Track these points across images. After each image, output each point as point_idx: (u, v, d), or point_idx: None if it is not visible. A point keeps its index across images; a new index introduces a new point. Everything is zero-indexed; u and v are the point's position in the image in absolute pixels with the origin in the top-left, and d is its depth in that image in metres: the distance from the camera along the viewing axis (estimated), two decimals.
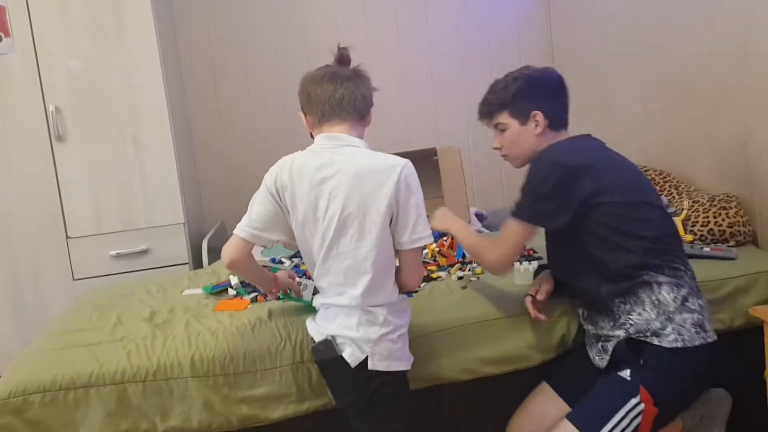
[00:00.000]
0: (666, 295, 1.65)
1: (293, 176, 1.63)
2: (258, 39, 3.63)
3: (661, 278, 1.66)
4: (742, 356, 1.85)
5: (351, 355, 1.59)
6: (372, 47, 3.68)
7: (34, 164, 2.93)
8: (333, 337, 1.62)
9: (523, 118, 1.81)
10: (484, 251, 1.80)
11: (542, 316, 1.85)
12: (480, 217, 3.24)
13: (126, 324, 2.03)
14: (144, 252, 3.03)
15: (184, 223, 3.05)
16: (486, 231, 3.02)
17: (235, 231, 1.69)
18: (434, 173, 2.91)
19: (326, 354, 1.61)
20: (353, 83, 1.67)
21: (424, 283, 2.20)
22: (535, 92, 1.81)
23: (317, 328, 1.67)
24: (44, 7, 2.87)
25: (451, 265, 2.36)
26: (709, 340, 1.65)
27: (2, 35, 2.88)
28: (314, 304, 1.73)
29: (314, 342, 1.66)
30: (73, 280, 3.00)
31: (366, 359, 1.58)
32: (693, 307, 1.65)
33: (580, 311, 1.85)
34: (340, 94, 1.65)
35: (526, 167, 1.80)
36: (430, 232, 1.65)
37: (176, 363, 1.77)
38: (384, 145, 3.74)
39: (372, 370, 1.58)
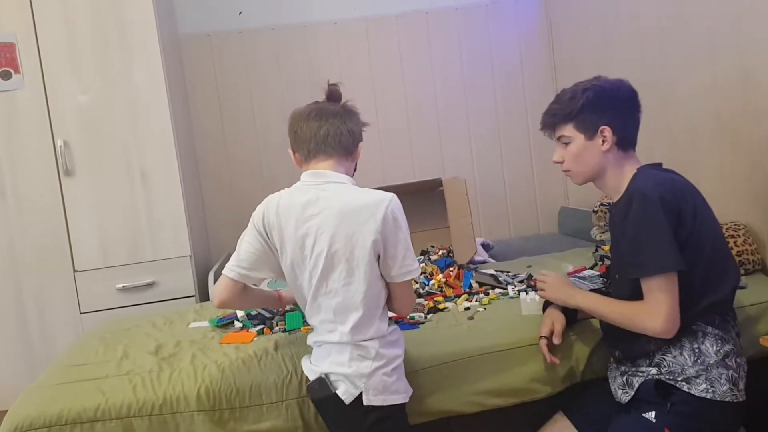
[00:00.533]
0: (709, 346, 1.61)
1: (280, 214, 1.64)
2: (263, 72, 3.68)
3: (709, 329, 1.62)
4: (754, 387, 1.82)
5: (345, 392, 1.57)
6: (376, 79, 3.72)
7: (42, 198, 2.96)
8: (326, 374, 1.60)
9: (590, 132, 1.69)
10: (642, 321, 1.59)
11: (557, 360, 1.82)
12: (486, 246, 3.23)
13: (132, 357, 2.03)
14: (150, 285, 3.03)
15: (190, 256, 3.06)
16: (492, 261, 3.01)
17: (224, 271, 1.70)
18: (440, 203, 2.91)
19: (321, 392, 1.60)
20: (339, 119, 1.67)
21: (430, 315, 2.18)
22: (605, 105, 1.68)
23: (311, 367, 1.66)
24: (53, 44, 2.92)
25: (458, 296, 2.35)
26: (740, 399, 1.61)
27: (12, 71, 2.92)
28: (308, 342, 1.72)
29: (309, 381, 1.65)
30: (80, 313, 3.00)
31: (361, 395, 1.57)
32: (731, 364, 1.61)
33: (617, 354, 1.77)
34: (325, 131, 1.65)
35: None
36: (418, 264, 1.64)
37: (182, 397, 1.76)
38: (389, 176, 3.78)
39: (367, 406, 1.57)
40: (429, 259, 2.91)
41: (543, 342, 1.82)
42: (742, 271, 2.24)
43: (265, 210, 1.67)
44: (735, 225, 2.32)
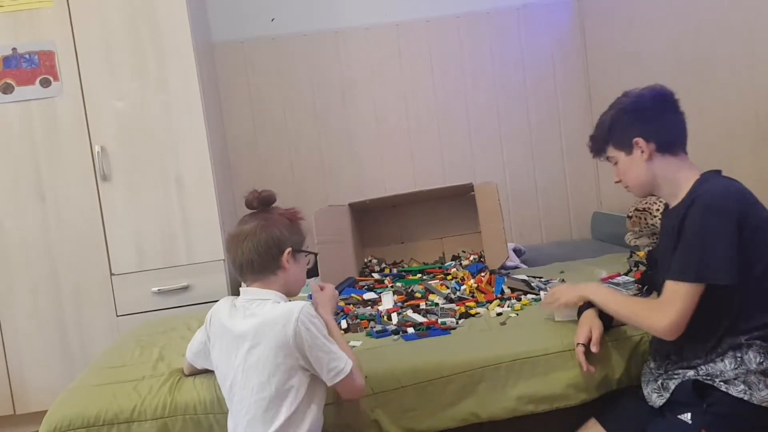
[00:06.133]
0: (752, 356, 1.56)
1: (217, 318, 1.72)
2: (295, 77, 3.71)
3: (754, 342, 1.57)
4: None
5: None
6: (407, 84, 3.73)
7: (80, 202, 3.03)
8: None
9: (627, 147, 1.73)
10: (649, 319, 1.61)
11: (593, 369, 1.78)
12: (518, 252, 3.21)
13: (167, 360, 2.06)
14: (185, 288, 3.08)
15: (224, 260, 3.09)
16: (524, 266, 2.99)
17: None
18: (471, 208, 2.90)
19: None
20: (253, 241, 1.68)
21: (462, 320, 2.17)
22: (631, 119, 1.72)
23: None
24: (90, 52, 2.99)
25: (490, 301, 2.34)
26: None
27: (51, 79, 3.00)
28: None
29: None
30: (117, 315, 3.06)
31: None
32: None
33: (671, 356, 1.71)
34: (239, 262, 1.69)
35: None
36: (345, 361, 1.60)
37: (215, 398, 1.78)
38: (420, 180, 3.78)
39: None
40: (460, 264, 2.90)
41: (580, 349, 1.79)
42: None
43: (213, 313, 1.76)
44: None
